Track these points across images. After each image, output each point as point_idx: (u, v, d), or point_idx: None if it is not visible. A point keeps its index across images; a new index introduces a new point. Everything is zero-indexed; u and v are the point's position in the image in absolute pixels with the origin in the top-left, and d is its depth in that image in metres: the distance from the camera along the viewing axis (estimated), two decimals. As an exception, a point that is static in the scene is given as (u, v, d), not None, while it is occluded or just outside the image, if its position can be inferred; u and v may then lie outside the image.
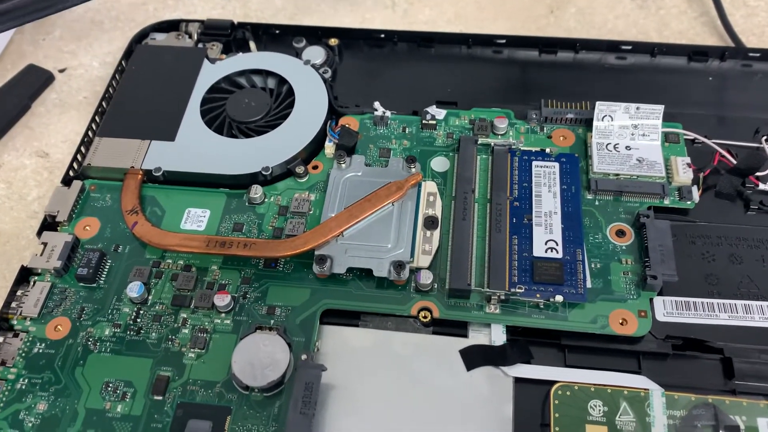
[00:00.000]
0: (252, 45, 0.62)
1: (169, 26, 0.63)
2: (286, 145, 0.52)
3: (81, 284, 0.47)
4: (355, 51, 0.62)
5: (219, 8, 0.71)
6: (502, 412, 0.42)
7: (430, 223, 0.48)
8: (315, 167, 0.52)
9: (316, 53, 0.59)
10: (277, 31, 0.63)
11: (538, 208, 0.48)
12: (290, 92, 0.55)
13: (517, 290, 0.44)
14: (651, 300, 0.45)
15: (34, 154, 0.60)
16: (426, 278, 0.45)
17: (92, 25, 0.70)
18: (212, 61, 0.58)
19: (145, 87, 0.57)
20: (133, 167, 0.52)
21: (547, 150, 0.51)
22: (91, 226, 0.50)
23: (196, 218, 0.50)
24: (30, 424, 0.42)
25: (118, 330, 0.45)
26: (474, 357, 0.44)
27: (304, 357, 0.43)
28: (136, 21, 0.70)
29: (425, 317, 0.45)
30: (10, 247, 0.54)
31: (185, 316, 0.46)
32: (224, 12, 0.70)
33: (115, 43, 0.68)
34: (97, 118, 0.57)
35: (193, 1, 0.71)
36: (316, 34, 0.62)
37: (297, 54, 0.59)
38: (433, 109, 0.55)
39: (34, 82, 0.64)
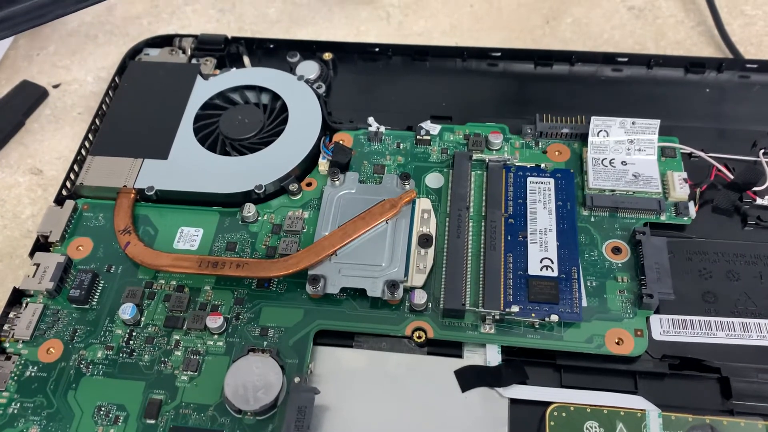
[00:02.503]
0: (246, 60, 0.62)
1: (163, 41, 0.63)
2: (279, 163, 0.51)
3: (73, 306, 0.47)
4: (349, 65, 0.62)
5: (213, 21, 0.70)
6: (497, 433, 0.41)
7: (425, 241, 0.47)
8: (309, 184, 0.52)
9: (309, 68, 0.58)
10: (272, 46, 0.63)
11: (533, 225, 0.48)
12: (284, 108, 0.55)
13: (512, 310, 0.44)
14: (647, 319, 0.44)
15: (28, 171, 0.60)
16: (420, 298, 0.45)
17: (86, 39, 0.70)
18: (205, 77, 0.58)
19: (138, 104, 0.56)
20: (125, 186, 0.51)
21: (542, 165, 0.51)
22: (83, 246, 0.50)
23: (189, 237, 0.50)
24: (22, 449, 0.42)
25: (111, 352, 0.45)
26: (469, 378, 0.43)
27: (297, 379, 0.42)
28: (130, 35, 0.70)
29: (420, 337, 0.44)
30: (4, 267, 0.54)
31: (178, 337, 0.45)
32: (218, 26, 0.70)
33: (110, 57, 0.68)
34: (90, 135, 0.56)
35: (188, 14, 0.71)
36: (311, 48, 0.62)
37: (291, 68, 0.59)
38: (427, 125, 0.54)
39: (28, 98, 0.64)
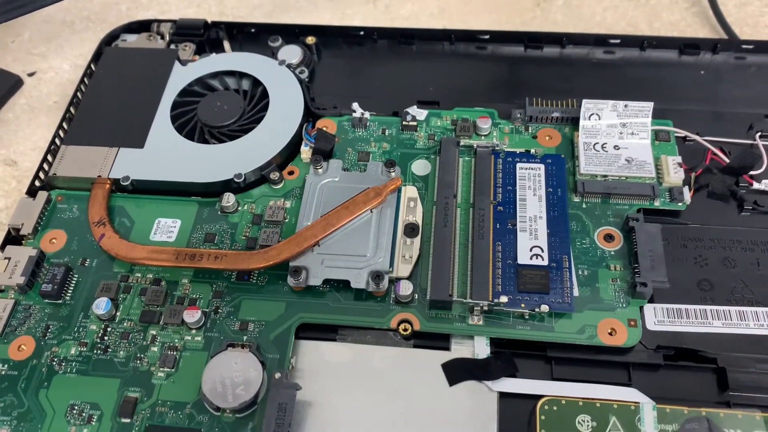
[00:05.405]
0: (226, 45, 0.60)
1: (140, 27, 0.61)
2: (259, 150, 0.50)
3: (46, 301, 0.45)
4: (333, 49, 0.60)
5: (194, 6, 0.68)
6: (486, 428, 0.40)
7: (411, 230, 0.46)
8: (291, 173, 0.50)
9: (292, 53, 0.56)
10: (253, 30, 0.61)
11: (522, 213, 0.46)
12: (265, 94, 0.53)
13: (501, 300, 0.42)
14: (641, 308, 0.43)
15: (1, 162, 0.58)
16: (406, 289, 0.43)
17: (63, 26, 0.68)
18: (183, 62, 0.56)
19: (114, 92, 0.54)
20: (100, 176, 0.49)
21: (532, 151, 0.49)
22: (57, 239, 0.48)
23: (166, 229, 0.48)
24: (-9, 451, 0.40)
25: (85, 349, 0.43)
26: (457, 371, 0.42)
27: (277, 375, 0.41)
28: (108, 21, 0.68)
29: (405, 330, 0.43)
30: (-24, 261, 0.52)
31: (154, 333, 0.44)
32: (199, 10, 0.68)
33: (87, 44, 0.66)
34: (64, 124, 0.54)
35: (167, -1, 0.69)
36: (293, 33, 0.60)
37: (273, 54, 0.57)
38: (413, 110, 0.53)
39: (2, 87, 0.62)
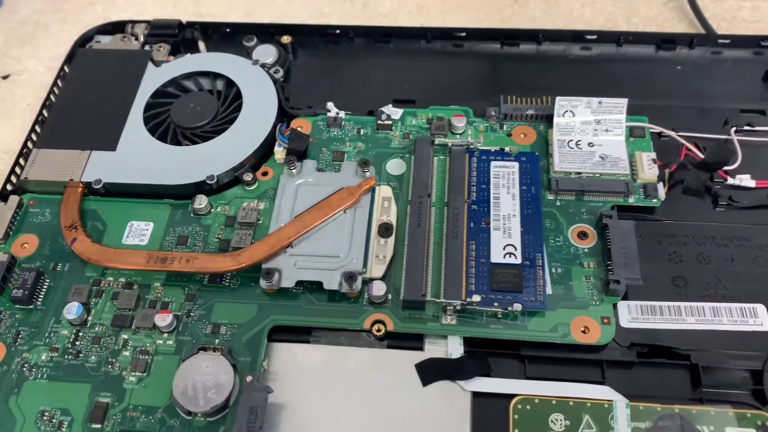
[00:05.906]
0: (201, 45, 0.60)
1: (115, 28, 0.60)
2: (233, 151, 0.49)
3: (17, 306, 0.45)
4: (309, 48, 0.59)
5: (170, 7, 0.68)
6: (459, 428, 0.40)
7: (384, 230, 0.45)
8: (264, 174, 0.50)
9: (266, 52, 0.56)
10: (228, 30, 0.60)
11: (496, 211, 0.46)
12: (238, 95, 0.53)
13: (474, 300, 0.42)
14: (614, 305, 0.43)
15: (-26, 166, 0.58)
16: (379, 290, 0.43)
17: (37, 27, 0.67)
18: (157, 63, 0.55)
19: (87, 94, 0.54)
20: (72, 180, 0.49)
21: (507, 149, 0.49)
22: (29, 243, 0.48)
23: (139, 232, 0.47)
24: (-39, 459, 0.40)
25: (56, 354, 0.43)
26: (430, 371, 0.41)
27: (249, 378, 0.40)
28: (83, 23, 0.67)
29: (379, 331, 0.43)
30: (-51, 267, 0.51)
31: (126, 337, 0.43)
32: (175, 11, 0.67)
33: (62, 46, 0.65)
34: (37, 127, 0.54)
35: (143, 0, 0.68)
36: (268, 32, 0.59)
37: (248, 53, 0.57)
38: (389, 109, 0.52)
39: (-24, 90, 0.61)
